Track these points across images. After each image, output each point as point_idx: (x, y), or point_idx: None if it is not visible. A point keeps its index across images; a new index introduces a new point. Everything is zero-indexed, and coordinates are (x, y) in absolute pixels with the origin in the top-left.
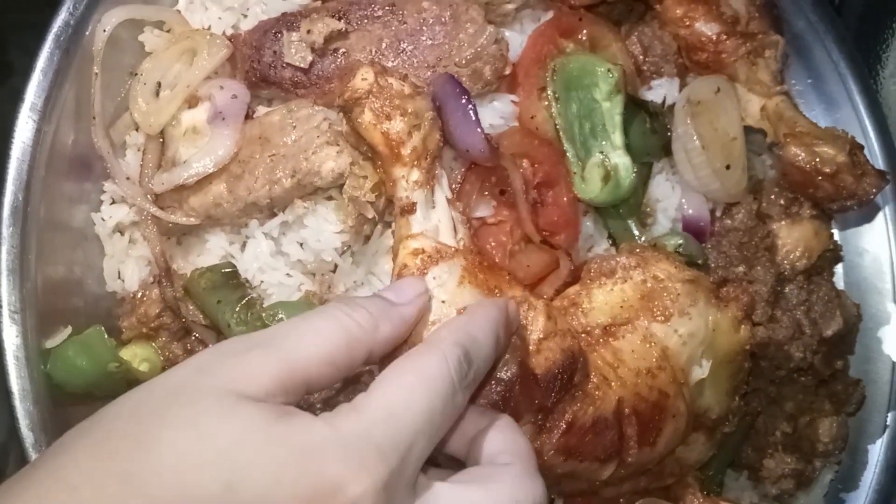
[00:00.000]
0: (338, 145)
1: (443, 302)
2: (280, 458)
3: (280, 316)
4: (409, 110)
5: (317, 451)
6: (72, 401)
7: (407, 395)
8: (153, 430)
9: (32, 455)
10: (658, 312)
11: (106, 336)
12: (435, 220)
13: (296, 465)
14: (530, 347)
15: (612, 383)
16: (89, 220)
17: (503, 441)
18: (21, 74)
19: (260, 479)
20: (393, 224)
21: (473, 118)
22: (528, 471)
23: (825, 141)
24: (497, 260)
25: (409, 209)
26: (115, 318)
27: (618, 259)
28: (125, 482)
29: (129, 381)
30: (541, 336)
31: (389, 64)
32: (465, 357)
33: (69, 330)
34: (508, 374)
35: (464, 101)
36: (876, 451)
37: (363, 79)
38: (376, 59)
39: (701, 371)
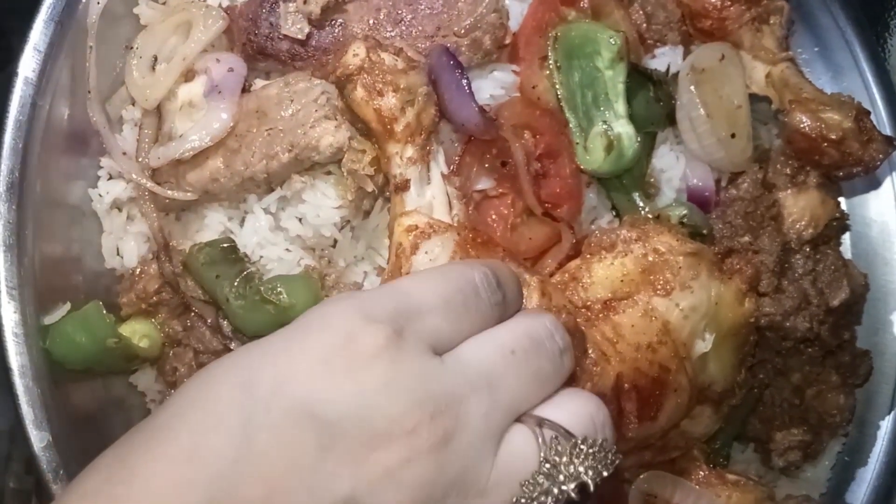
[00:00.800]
0: (336, 119)
1: None
2: None
3: (279, 289)
4: (402, 86)
5: (320, 314)
6: (72, 377)
7: (420, 278)
8: None
9: (33, 433)
10: (659, 286)
11: (104, 311)
12: (429, 197)
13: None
14: None
15: (611, 359)
16: (87, 196)
17: None
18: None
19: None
20: None
21: (467, 91)
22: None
23: (831, 107)
24: (499, 233)
25: (404, 186)
26: (115, 295)
27: (618, 232)
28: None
29: (128, 356)
30: None
31: (388, 34)
32: (493, 273)
33: (68, 306)
34: None
35: (457, 73)
36: (884, 423)
37: (354, 55)
38: (374, 30)
39: (704, 345)
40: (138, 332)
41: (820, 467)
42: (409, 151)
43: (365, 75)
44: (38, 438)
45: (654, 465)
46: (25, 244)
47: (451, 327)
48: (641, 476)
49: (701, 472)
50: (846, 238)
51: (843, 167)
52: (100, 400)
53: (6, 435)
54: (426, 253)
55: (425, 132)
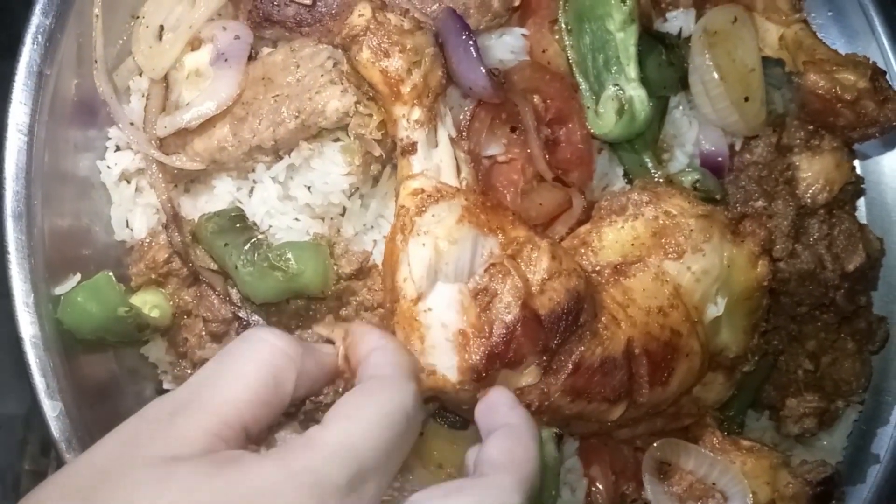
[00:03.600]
0: (342, 84)
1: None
2: None
3: (287, 256)
4: (409, 46)
5: (269, 492)
6: (83, 348)
7: (365, 429)
8: None
9: (46, 402)
10: (670, 249)
11: (114, 280)
12: (437, 160)
13: None
14: (534, 288)
15: (622, 323)
16: (95, 168)
17: (497, 449)
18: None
19: None
20: None
21: (475, 55)
22: (505, 484)
23: (846, 67)
24: (508, 199)
25: (410, 149)
26: (125, 267)
27: (629, 196)
28: None
29: (140, 326)
30: (545, 276)
31: None
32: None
33: (78, 277)
34: (510, 315)
35: (465, 36)
36: None
37: (360, 15)
38: None
39: (716, 309)
40: (149, 303)
41: (836, 436)
42: (416, 113)
43: (371, 36)
44: (50, 408)
45: (667, 433)
46: (34, 215)
47: (389, 480)
48: (655, 444)
49: (715, 439)
50: (861, 203)
51: (858, 128)
52: (111, 371)
53: (21, 419)
54: (433, 216)
55: (432, 94)
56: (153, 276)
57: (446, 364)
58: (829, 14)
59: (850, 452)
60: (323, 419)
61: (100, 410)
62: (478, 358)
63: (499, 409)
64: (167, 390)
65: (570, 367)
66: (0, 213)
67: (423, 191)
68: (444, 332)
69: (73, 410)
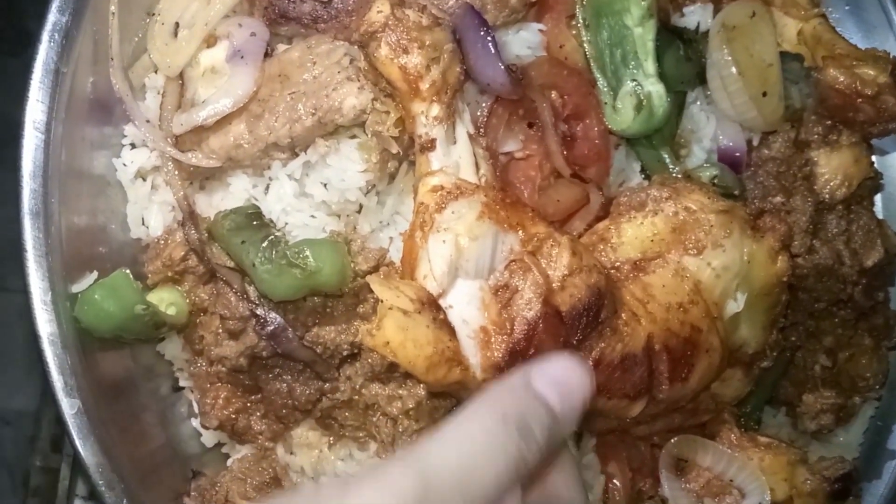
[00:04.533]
0: (359, 81)
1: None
2: None
3: (306, 253)
4: (427, 42)
5: None
6: (100, 345)
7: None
8: None
9: (63, 400)
10: (690, 245)
11: (131, 278)
12: (455, 157)
13: None
14: (554, 284)
15: (642, 319)
16: (111, 166)
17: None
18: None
19: None
20: None
21: (493, 51)
22: None
23: (866, 62)
24: (526, 195)
25: (429, 146)
26: (141, 264)
27: (648, 191)
28: None
29: (156, 324)
30: (565, 273)
31: None
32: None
33: (95, 275)
34: (531, 312)
35: (483, 32)
36: None
37: (378, 11)
38: None
39: (736, 305)
40: (165, 300)
41: (852, 432)
42: (435, 110)
43: (389, 32)
44: (68, 405)
45: (685, 429)
46: (51, 213)
47: None
48: (672, 440)
49: (732, 436)
50: (878, 198)
51: (878, 123)
52: (127, 368)
53: (32, 416)
54: (453, 213)
55: (451, 90)
56: (169, 274)
57: (470, 361)
58: (847, 8)
59: (866, 448)
60: None
61: (116, 407)
62: (500, 355)
63: None
64: (183, 388)
65: (591, 363)
66: (18, 211)
67: (442, 187)
68: (465, 329)
69: (91, 408)
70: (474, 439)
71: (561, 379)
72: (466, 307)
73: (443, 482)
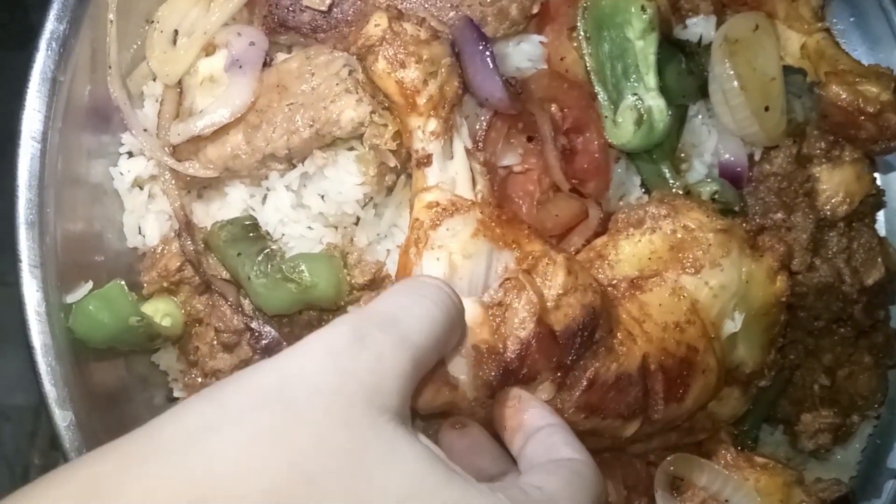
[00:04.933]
0: (357, 93)
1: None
2: None
3: (301, 268)
4: (425, 57)
5: None
6: (94, 356)
7: None
8: None
9: (56, 412)
10: (688, 264)
11: (126, 289)
12: (452, 172)
13: None
14: (549, 303)
15: (638, 338)
16: (108, 174)
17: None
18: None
19: None
20: None
21: (491, 65)
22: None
23: (868, 79)
24: (524, 210)
25: (426, 161)
26: (136, 274)
27: (647, 209)
28: None
29: (151, 335)
30: (560, 292)
31: (410, 4)
32: None
33: (90, 285)
34: (525, 331)
35: (481, 47)
36: None
37: (376, 25)
38: (397, 0)
39: (733, 325)
40: (160, 311)
41: (850, 450)
42: (432, 125)
43: (387, 46)
44: (61, 417)
45: (681, 448)
46: (47, 222)
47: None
48: (668, 458)
49: (728, 455)
50: (880, 216)
51: (880, 141)
52: (122, 379)
53: (31, 411)
54: (447, 230)
55: (448, 105)
56: (165, 284)
57: (460, 380)
58: (851, 20)
59: (864, 466)
60: None
61: (109, 418)
62: (492, 374)
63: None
64: (178, 398)
65: (585, 383)
66: (13, 222)
67: (437, 204)
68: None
69: (84, 419)
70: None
71: None
72: None
73: (378, 321)
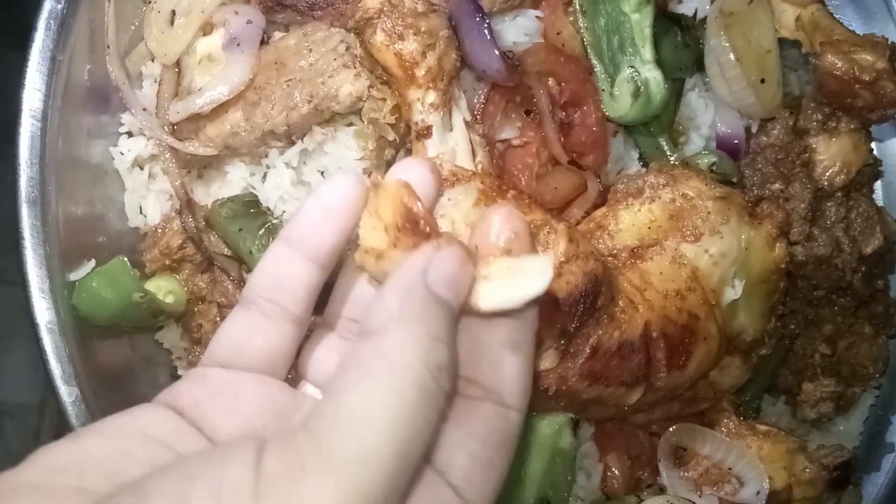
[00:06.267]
0: (355, 68)
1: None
2: None
3: None
4: (423, 29)
5: None
6: (98, 334)
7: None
8: None
9: (62, 388)
10: (688, 232)
11: (129, 266)
12: (452, 143)
13: None
14: None
15: (639, 306)
16: (108, 154)
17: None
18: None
19: None
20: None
21: (489, 37)
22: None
23: (864, 47)
24: (523, 183)
25: (425, 133)
26: (139, 253)
27: (645, 178)
28: None
29: (154, 312)
30: (562, 260)
31: None
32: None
33: (93, 263)
34: None
35: (478, 18)
36: None
37: None
38: None
39: (734, 292)
40: (163, 289)
41: (852, 420)
42: (431, 97)
43: (385, 19)
44: (66, 393)
45: (683, 418)
46: (49, 201)
47: None
48: (670, 429)
49: (731, 424)
50: (878, 186)
51: (876, 109)
52: (126, 357)
53: (35, 409)
54: (449, 199)
55: (447, 77)
56: (167, 262)
57: None
58: None
59: (866, 438)
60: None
61: (114, 396)
62: None
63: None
64: (181, 376)
65: (588, 350)
66: (15, 199)
67: None
68: None
69: (89, 396)
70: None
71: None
72: None
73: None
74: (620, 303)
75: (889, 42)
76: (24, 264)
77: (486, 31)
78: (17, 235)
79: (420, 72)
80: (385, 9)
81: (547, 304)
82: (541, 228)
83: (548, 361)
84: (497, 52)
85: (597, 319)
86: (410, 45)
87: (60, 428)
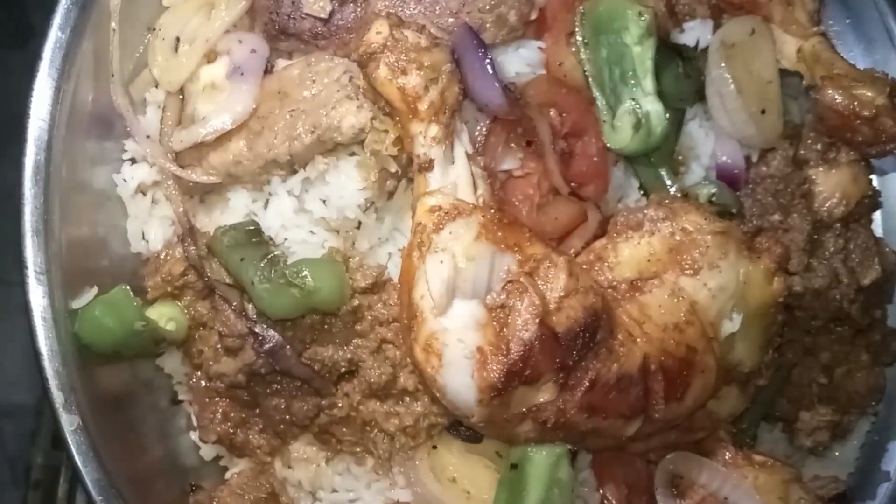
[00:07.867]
0: (358, 100)
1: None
2: None
3: (304, 273)
4: (426, 63)
5: None
6: (99, 360)
7: None
8: None
9: (63, 416)
10: (687, 266)
11: (131, 294)
12: (453, 177)
13: None
14: (551, 305)
15: (638, 339)
16: (111, 180)
17: None
18: (42, 36)
19: None
20: None
21: (490, 72)
22: None
23: (864, 83)
24: (524, 213)
25: (427, 166)
26: (141, 279)
27: (645, 211)
28: None
29: (155, 339)
30: (562, 294)
31: (411, 11)
32: None
33: (95, 290)
34: (528, 333)
35: (481, 53)
36: None
37: (377, 32)
38: (397, 7)
39: (732, 325)
40: (165, 315)
41: (848, 446)
42: (433, 130)
43: (388, 53)
44: (68, 422)
45: (680, 446)
46: (52, 229)
47: None
48: (668, 457)
49: (727, 453)
50: (876, 216)
51: (876, 144)
52: (127, 383)
53: (32, 410)
54: (450, 233)
55: (449, 111)
56: (169, 289)
57: (464, 381)
58: (847, 21)
59: (861, 464)
60: None
61: (115, 421)
62: (496, 375)
63: None
64: (181, 401)
65: (587, 383)
66: (19, 230)
67: (440, 208)
68: (461, 350)
69: (90, 422)
70: None
71: None
72: (463, 328)
73: None
74: (619, 336)
75: (889, 78)
76: (27, 293)
77: (488, 67)
78: (21, 265)
79: (422, 106)
80: (388, 43)
81: (546, 338)
82: (541, 262)
83: (547, 394)
84: (499, 87)
85: (596, 353)
86: (413, 80)
87: (58, 431)
